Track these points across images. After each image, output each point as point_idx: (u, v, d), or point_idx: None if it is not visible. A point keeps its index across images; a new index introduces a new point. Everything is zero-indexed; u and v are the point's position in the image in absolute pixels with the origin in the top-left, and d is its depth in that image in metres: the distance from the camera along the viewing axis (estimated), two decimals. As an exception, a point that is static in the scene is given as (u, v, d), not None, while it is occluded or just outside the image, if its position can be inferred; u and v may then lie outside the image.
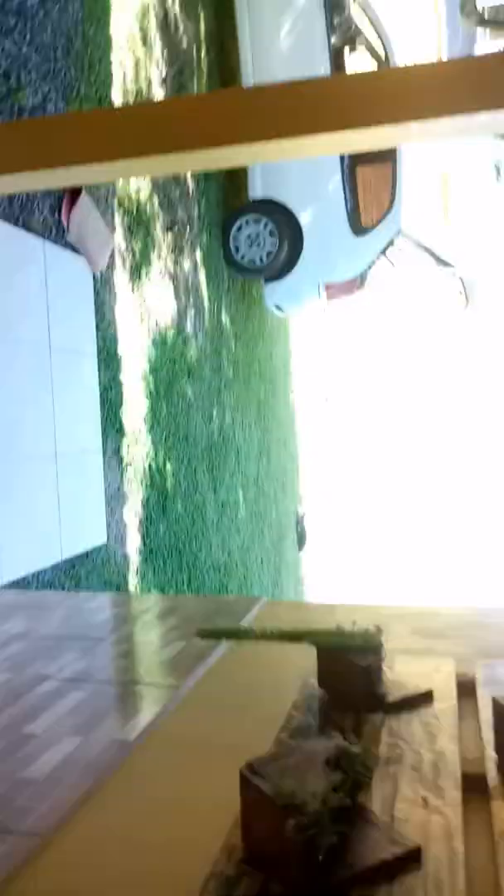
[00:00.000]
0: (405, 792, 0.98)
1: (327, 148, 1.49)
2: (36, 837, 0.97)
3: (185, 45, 5.13)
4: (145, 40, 4.38)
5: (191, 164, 1.70)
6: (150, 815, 1.04)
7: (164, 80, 4.67)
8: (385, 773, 1.03)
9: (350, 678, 1.24)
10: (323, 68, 5.49)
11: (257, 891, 0.82)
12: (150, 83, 4.44)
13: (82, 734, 1.27)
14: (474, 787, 1.00)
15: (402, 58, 6.17)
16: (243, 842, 0.88)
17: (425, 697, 1.25)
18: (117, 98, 3.89)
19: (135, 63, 4.20)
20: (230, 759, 0.94)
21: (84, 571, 3.31)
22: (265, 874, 0.83)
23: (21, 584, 2.81)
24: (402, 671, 1.35)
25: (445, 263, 6.94)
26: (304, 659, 1.36)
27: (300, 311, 6.78)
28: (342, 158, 5.83)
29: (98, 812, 1.05)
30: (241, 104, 1.52)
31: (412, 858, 0.85)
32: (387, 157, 6.03)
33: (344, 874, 0.82)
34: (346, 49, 6.07)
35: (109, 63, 3.85)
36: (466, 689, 1.30)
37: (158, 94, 4.48)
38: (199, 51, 5.44)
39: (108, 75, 3.83)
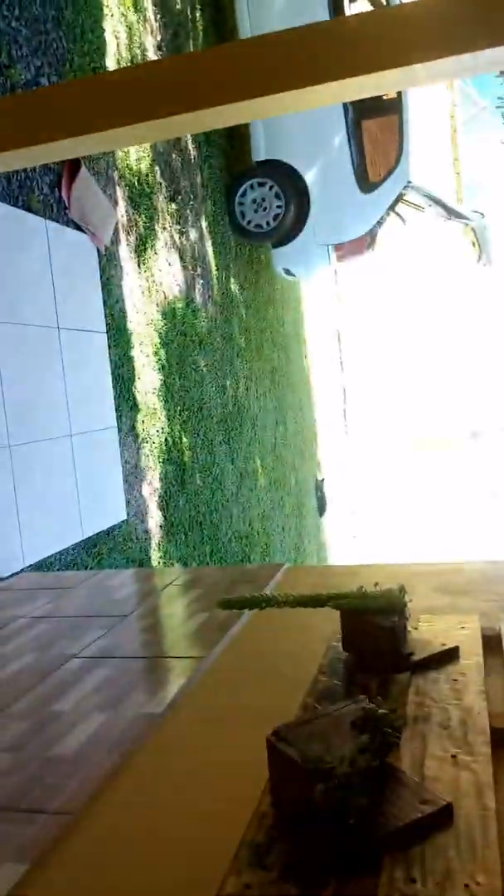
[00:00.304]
0: (434, 750, 0.97)
1: (330, 98, 1.43)
2: (67, 816, 0.98)
3: (178, 6, 5.00)
4: (137, 5, 4.28)
5: (190, 125, 1.64)
6: (180, 787, 1.05)
7: (159, 46, 4.57)
8: (413, 731, 1.02)
9: (375, 640, 1.23)
10: (322, 19, 5.35)
11: (289, 857, 0.81)
12: (144, 49, 4.34)
13: (110, 710, 1.28)
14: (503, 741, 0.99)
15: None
16: (273, 808, 0.88)
17: (451, 655, 1.24)
18: (112, 67, 3.81)
19: (128, 29, 4.10)
20: (257, 727, 0.93)
21: (106, 549, 3.33)
22: (296, 840, 0.83)
23: (44, 565, 2.83)
24: (427, 630, 1.34)
25: (457, 215, 6.79)
26: (328, 623, 1.35)
27: (310, 274, 6.69)
28: (346, 113, 5.70)
29: (128, 786, 1.06)
30: (236, 58, 1.47)
31: (444, 816, 0.84)
32: (392, 109, 5.88)
33: (375, 835, 0.81)
34: (346, 0, 5.90)
35: (102, 31, 3.76)
36: (492, 645, 1.29)
37: (154, 59, 4.38)
38: (193, 11, 5.31)
39: (102, 44, 3.75)
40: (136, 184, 4.03)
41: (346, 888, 0.77)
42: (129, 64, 4.05)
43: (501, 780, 0.92)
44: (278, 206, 5.73)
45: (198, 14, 5.40)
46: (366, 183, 5.91)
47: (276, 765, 0.88)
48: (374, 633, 1.23)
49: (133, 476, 3.70)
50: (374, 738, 0.86)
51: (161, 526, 3.97)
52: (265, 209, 5.72)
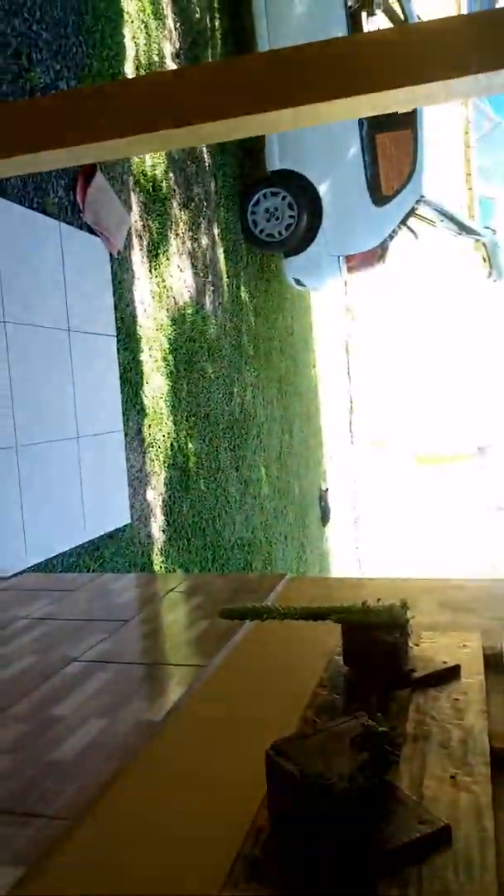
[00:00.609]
0: (433, 769, 0.97)
1: (346, 113, 1.44)
2: (64, 821, 0.97)
3: (197, 14, 5.03)
4: (157, 12, 4.30)
5: (207, 136, 1.66)
6: (177, 797, 1.04)
7: (177, 53, 4.60)
8: (413, 750, 1.02)
9: (376, 655, 1.23)
10: (340, 33, 5.37)
11: (285, 873, 0.81)
12: (162, 56, 4.37)
13: (109, 716, 1.28)
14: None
15: (423, 18, 6.01)
16: (270, 823, 0.88)
17: (452, 672, 1.24)
18: (130, 73, 3.83)
19: (147, 36, 4.13)
20: (256, 739, 0.93)
21: (108, 552, 3.33)
22: (293, 856, 0.82)
23: (46, 566, 2.84)
24: (429, 646, 1.34)
25: (469, 230, 6.79)
26: (330, 636, 1.35)
27: (321, 284, 6.70)
28: (361, 126, 5.72)
29: (125, 794, 1.05)
30: (255, 71, 1.48)
31: (442, 837, 0.84)
32: (407, 123, 5.90)
33: (373, 854, 0.81)
34: (364, 14, 5.93)
35: (122, 37, 3.79)
36: (493, 664, 1.28)
37: (172, 67, 4.41)
38: (212, 20, 5.34)
39: (121, 50, 3.78)
40: (150, 190, 4.05)
41: (342, 906, 0.76)
42: (147, 70, 4.08)
43: (501, 802, 0.92)
44: (291, 216, 5.75)
45: (217, 23, 5.44)
46: (378, 196, 5.93)
47: (274, 779, 0.87)
48: (376, 649, 1.23)
49: (138, 480, 3.71)
50: (374, 755, 0.86)
51: (164, 531, 3.98)
52: (278, 219, 5.74)
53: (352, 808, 0.81)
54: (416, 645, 1.33)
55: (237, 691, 1.39)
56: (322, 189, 5.76)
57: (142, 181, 3.95)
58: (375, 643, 1.23)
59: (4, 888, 0.85)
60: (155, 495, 3.90)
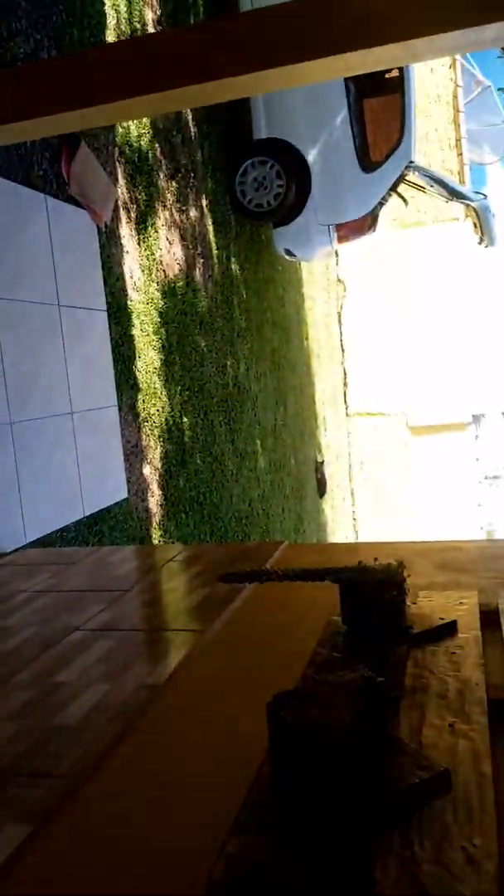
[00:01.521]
0: (432, 719, 0.99)
1: (331, 72, 1.42)
2: (71, 780, 0.99)
3: (178, -19, 4.94)
4: (137, -21, 4.22)
5: (189, 99, 1.63)
6: (182, 754, 1.06)
7: (158, 20, 4.51)
8: (412, 701, 1.04)
9: (374, 613, 1.25)
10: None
11: (289, 821, 0.83)
12: (144, 23, 4.29)
13: (112, 681, 1.29)
14: (501, 711, 1.01)
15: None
16: (273, 775, 0.89)
17: (449, 628, 1.25)
18: (111, 41, 3.77)
19: (127, 3, 4.05)
20: (257, 697, 0.94)
21: (107, 527, 3.34)
22: (295, 805, 0.84)
23: (45, 542, 2.85)
24: (426, 605, 1.35)
25: (459, 195, 6.74)
26: (328, 597, 1.36)
27: (311, 255, 6.66)
28: (348, 92, 5.64)
29: (130, 754, 1.07)
30: (237, 31, 1.45)
31: (441, 782, 0.85)
32: (394, 88, 5.82)
33: (374, 799, 0.82)
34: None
35: (102, 5, 3.72)
36: (490, 620, 1.30)
37: (153, 31, 4.33)
38: (193, -14, 5.24)
39: (102, 18, 3.71)
40: (135, 160, 4.00)
41: (345, 851, 0.78)
42: (128, 37, 4.00)
43: (498, 749, 0.93)
44: (279, 186, 5.69)
45: (199, -12, 5.34)
46: (367, 162, 5.87)
47: (275, 731, 0.89)
48: (374, 607, 1.25)
49: (134, 455, 3.71)
50: (373, 705, 0.88)
51: (161, 505, 3.99)
52: (266, 188, 5.68)
53: (352, 755, 0.83)
54: (414, 603, 1.35)
55: (237, 653, 1.40)
56: (310, 157, 5.69)
57: (127, 152, 3.90)
58: (373, 601, 1.24)
59: (13, 845, 0.87)
60: (151, 470, 3.90)
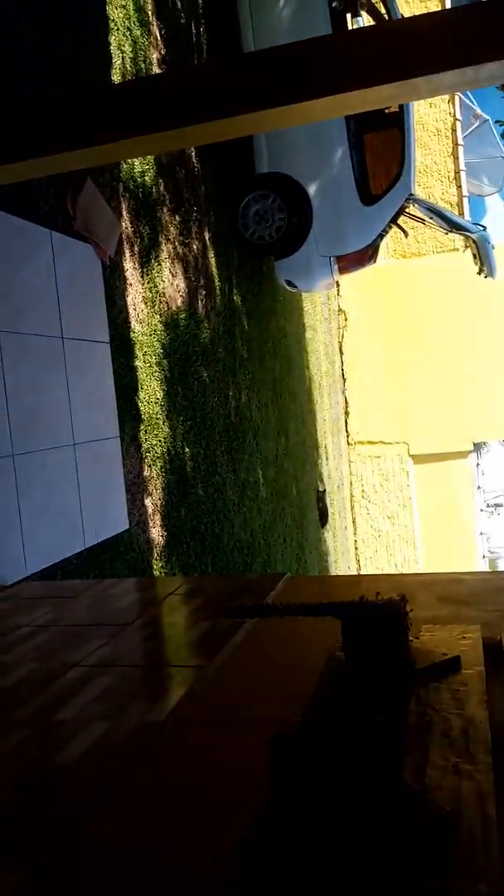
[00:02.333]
0: (436, 759, 0.98)
1: (332, 111, 1.45)
2: (70, 821, 0.98)
3: (182, 20, 5.05)
4: (142, 20, 4.32)
5: (193, 138, 1.65)
6: (182, 793, 1.05)
7: (163, 59, 4.61)
8: (415, 740, 1.03)
9: (376, 649, 1.23)
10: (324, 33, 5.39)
11: (288, 860, 0.81)
12: (149, 63, 4.38)
13: (111, 718, 1.28)
14: (506, 752, 1.00)
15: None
16: (274, 814, 0.88)
17: (453, 664, 1.24)
18: (117, 80, 3.84)
19: (133, 43, 4.15)
20: (259, 735, 0.93)
21: (108, 559, 3.33)
22: (296, 843, 0.83)
23: (46, 574, 2.84)
24: (429, 639, 1.34)
25: (459, 227, 6.81)
26: (330, 632, 1.35)
27: (312, 286, 6.72)
28: (348, 127, 5.74)
29: (129, 794, 1.06)
30: (240, 72, 1.48)
31: (445, 825, 0.84)
32: (394, 122, 5.92)
33: (377, 843, 0.81)
34: (349, 15, 5.95)
35: (108, 45, 3.80)
36: (494, 655, 1.29)
37: (157, 73, 4.42)
38: (198, 26, 5.36)
39: (107, 57, 3.79)
40: (140, 196, 4.06)
41: (345, 892, 0.77)
42: (133, 77, 4.09)
43: (503, 789, 0.92)
44: (280, 219, 5.76)
45: (202, 28, 5.46)
46: (368, 195, 5.95)
47: (276, 771, 0.88)
48: (376, 643, 1.24)
49: (135, 486, 3.71)
50: (377, 747, 0.87)
51: (163, 536, 3.98)
52: (268, 221, 5.75)
53: (355, 798, 0.82)
54: (416, 638, 1.34)
55: (239, 689, 1.39)
56: (311, 190, 5.77)
57: (131, 187, 3.96)
58: (375, 637, 1.23)
59: (9, 889, 0.86)
60: (153, 500, 3.90)
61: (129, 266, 3.86)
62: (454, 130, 10.82)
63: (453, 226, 6.83)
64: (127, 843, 0.95)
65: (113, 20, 3.90)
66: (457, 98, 10.58)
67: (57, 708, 1.34)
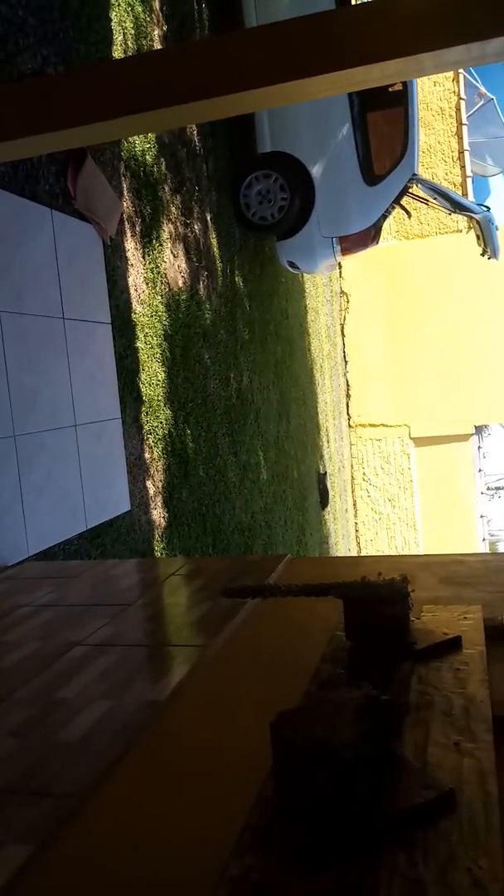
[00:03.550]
0: (437, 737, 0.98)
1: (336, 87, 1.42)
2: (72, 799, 0.98)
3: (183, -3, 4.98)
4: (142, -5, 4.26)
5: (196, 115, 1.63)
6: (184, 772, 1.05)
7: (165, 37, 4.55)
8: (416, 719, 1.03)
9: (378, 628, 1.24)
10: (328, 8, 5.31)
11: (292, 841, 0.82)
12: (150, 39, 4.32)
13: (113, 697, 1.28)
14: (506, 730, 1.00)
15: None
16: (276, 794, 0.89)
17: (454, 644, 1.25)
18: (118, 57, 3.80)
19: (134, 20, 4.09)
20: (260, 714, 0.94)
21: (109, 540, 3.34)
22: (299, 824, 0.83)
23: (47, 555, 2.84)
24: (430, 619, 1.35)
25: (462, 208, 6.76)
26: (331, 612, 1.36)
27: (315, 267, 6.68)
28: (351, 105, 5.67)
29: (132, 772, 1.06)
30: (243, 48, 1.46)
31: (446, 802, 0.85)
32: (398, 101, 5.85)
33: (378, 820, 0.82)
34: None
35: (109, 21, 3.75)
36: (494, 635, 1.29)
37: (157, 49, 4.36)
38: (199, 2, 5.29)
39: (108, 34, 3.74)
40: (141, 175, 4.02)
41: (349, 871, 0.77)
42: (135, 54, 4.04)
43: None
44: (283, 199, 5.71)
45: (204, 5, 5.38)
46: (371, 175, 5.89)
47: (279, 750, 0.88)
48: (377, 622, 1.24)
49: (137, 467, 3.71)
50: (378, 724, 0.87)
51: (164, 517, 3.98)
52: (270, 201, 5.70)
53: (357, 776, 0.82)
54: (418, 618, 1.34)
55: (240, 669, 1.39)
56: (314, 170, 5.72)
57: (132, 166, 3.92)
58: (377, 617, 1.23)
59: (14, 865, 0.86)
60: (154, 482, 3.90)
61: (130, 246, 3.83)
62: (458, 110, 10.71)
63: (457, 206, 6.77)
64: (129, 822, 0.95)
65: (113, -5, 3.85)
66: (461, 77, 10.46)
67: (59, 687, 1.35)
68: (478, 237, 7.00)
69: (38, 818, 0.95)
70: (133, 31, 4.07)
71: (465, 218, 7.62)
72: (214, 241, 5.22)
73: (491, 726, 0.99)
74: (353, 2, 5.91)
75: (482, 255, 7.10)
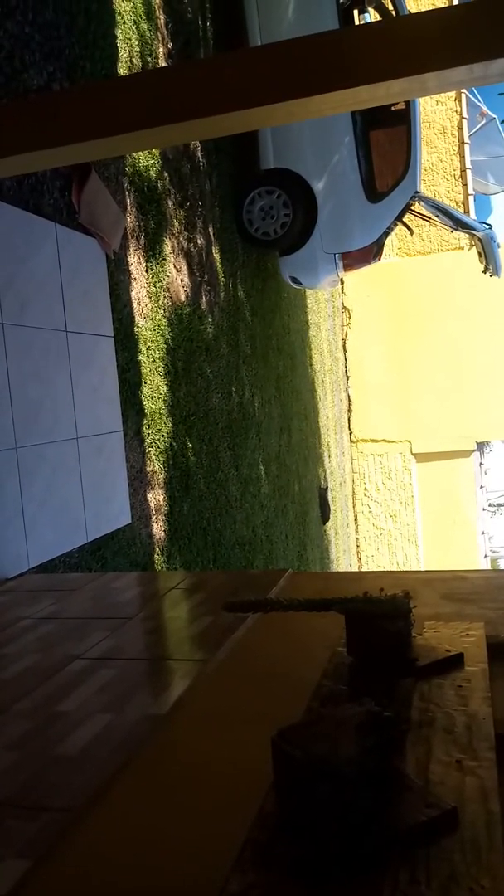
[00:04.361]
0: (439, 755, 0.97)
1: (339, 106, 1.44)
2: (71, 813, 0.98)
3: (189, 14, 5.04)
4: (149, 13, 4.31)
5: (198, 132, 1.65)
6: (184, 787, 1.05)
7: (170, 54, 4.60)
8: (418, 736, 1.02)
9: (380, 644, 1.23)
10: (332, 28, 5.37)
11: (293, 857, 0.81)
12: (155, 56, 4.37)
13: (113, 710, 1.28)
14: (509, 748, 0.99)
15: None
16: (277, 809, 0.88)
17: (456, 661, 1.24)
18: (123, 74, 3.84)
19: (139, 37, 4.14)
20: (261, 729, 0.93)
21: (110, 553, 3.33)
22: (300, 841, 0.83)
23: (48, 567, 2.84)
24: (432, 636, 1.34)
25: (464, 225, 6.80)
26: (333, 627, 1.35)
27: (317, 283, 6.71)
28: (354, 123, 5.72)
29: (132, 785, 1.06)
30: (247, 66, 1.47)
31: (449, 820, 0.84)
32: (401, 119, 5.91)
33: (380, 838, 0.81)
34: (356, 11, 5.94)
35: (114, 38, 3.80)
36: (497, 652, 1.28)
37: (163, 66, 4.41)
38: (204, 20, 5.35)
39: (114, 51, 3.78)
40: (145, 190, 4.05)
41: (350, 890, 0.76)
42: (140, 71, 4.08)
43: (506, 786, 0.92)
44: (286, 215, 5.75)
45: (208, 23, 5.44)
46: (373, 193, 5.93)
47: (280, 766, 0.88)
48: (379, 638, 1.24)
49: (138, 481, 3.71)
50: (380, 740, 0.86)
51: (165, 531, 3.98)
52: (273, 217, 5.74)
53: (358, 792, 0.81)
54: (420, 634, 1.34)
55: (242, 683, 1.39)
56: (316, 187, 5.76)
57: (136, 181, 3.96)
58: (379, 633, 1.23)
59: (12, 880, 0.86)
60: (155, 495, 3.90)
61: (134, 260, 3.85)
62: (460, 128, 10.79)
63: (459, 224, 6.82)
64: (128, 836, 0.95)
65: (120, 14, 3.89)
66: (463, 96, 10.55)
67: (58, 700, 1.34)
68: (480, 254, 7.04)
69: (37, 832, 0.94)
70: (138, 49, 4.11)
71: (467, 235, 7.66)
72: (217, 256, 5.25)
73: (493, 744, 0.99)
74: (356, 20, 5.97)
75: (484, 272, 7.14)
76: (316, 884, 0.77)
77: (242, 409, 5.58)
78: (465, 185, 10.70)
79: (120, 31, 3.88)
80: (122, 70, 3.87)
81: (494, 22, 1.24)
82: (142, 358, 3.86)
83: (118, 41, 3.84)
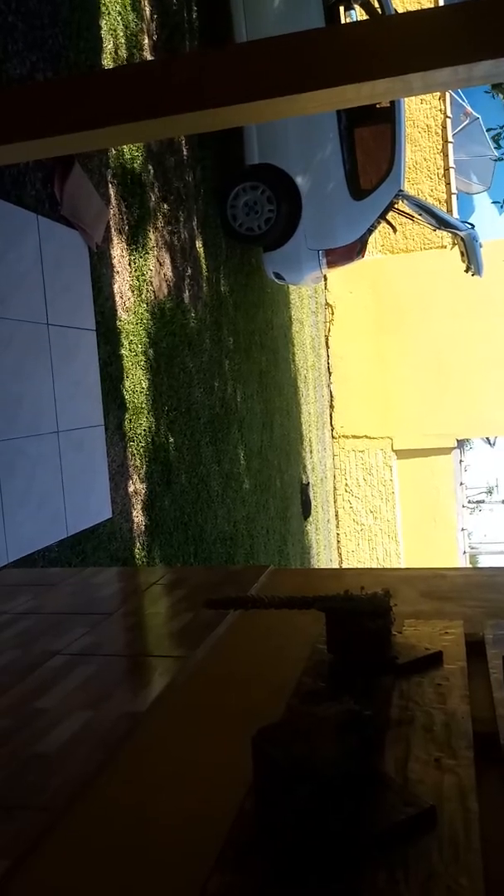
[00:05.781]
0: (418, 753, 0.98)
1: (324, 104, 1.44)
2: (49, 813, 0.97)
3: (175, 6, 5.00)
4: (134, 4, 4.27)
5: (183, 127, 1.64)
6: (164, 786, 1.04)
7: (154, 45, 4.57)
8: (397, 734, 1.03)
9: (359, 642, 1.24)
10: (317, 26, 5.36)
11: (273, 858, 0.81)
12: (140, 48, 4.34)
13: (93, 707, 1.27)
14: (487, 746, 1.00)
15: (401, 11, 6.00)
16: (257, 809, 0.88)
17: (435, 659, 1.25)
18: (108, 65, 3.80)
19: (125, 28, 4.10)
20: (241, 727, 0.93)
21: (90, 547, 3.31)
22: (280, 841, 0.83)
23: (27, 562, 2.82)
24: (412, 634, 1.35)
25: (447, 224, 6.82)
26: (313, 625, 1.35)
27: (300, 279, 6.71)
28: (339, 120, 5.72)
29: (111, 784, 1.05)
30: (231, 62, 1.47)
31: (427, 818, 0.84)
32: (385, 118, 5.91)
33: (359, 837, 0.81)
34: (342, 8, 5.93)
35: (98, 29, 3.76)
36: (476, 650, 1.29)
37: (149, 59, 4.38)
38: (189, 12, 5.31)
39: (98, 42, 3.74)
40: (128, 182, 4.02)
41: (330, 889, 0.77)
42: (124, 62, 4.05)
43: (484, 784, 0.93)
44: (270, 211, 5.74)
45: (194, 15, 5.41)
46: (357, 190, 5.94)
47: (260, 767, 0.88)
48: (359, 636, 1.24)
49: (119, 475, 3.69)
50: (360, 742, 0.87)
51: (146, 525, 3.96)
52: (257, 213, 5.73)
53: (339, 793, 0.82)
54: (399, 632, 1.34)
55: (222, 680, 1.39)
56: (301, 183, 5.75)
57: (120, 174, 3.93)
58: (359, 631, 1.23)
59: (-10, 879, 0.85)
60: (136, 490, 3.89)
61: (117, 253, 3.83)
62: (444, 128, 10.82)
63: (442, 223, 6.84)
64: (107, 835, 0.94)
65: (105, 4, 3.86)
66: (447, 95, 10.58)
67: (37, 697, 1.33)
68: (462, 254, 7.07)
69: (16, 832, 0.94)
70: (123, 40, 4.08)
71: (450, 234, 7.69)
72: (201, 251, 5.23)
73: (472, 742, 0.99)
74: (342, 17, 5.96)
75: (466, 271, 7.17)
76: (295, 884, 0.77)
77: (225, 404, 5.57)
78: (448, 183, 10.74)
79: (105, 21, 3.84)
80: (107, 61, 3.83)
81: (479, 25, 1.24)
82: (124, 352, 3.84)
83: (103, 31, 3.81)
